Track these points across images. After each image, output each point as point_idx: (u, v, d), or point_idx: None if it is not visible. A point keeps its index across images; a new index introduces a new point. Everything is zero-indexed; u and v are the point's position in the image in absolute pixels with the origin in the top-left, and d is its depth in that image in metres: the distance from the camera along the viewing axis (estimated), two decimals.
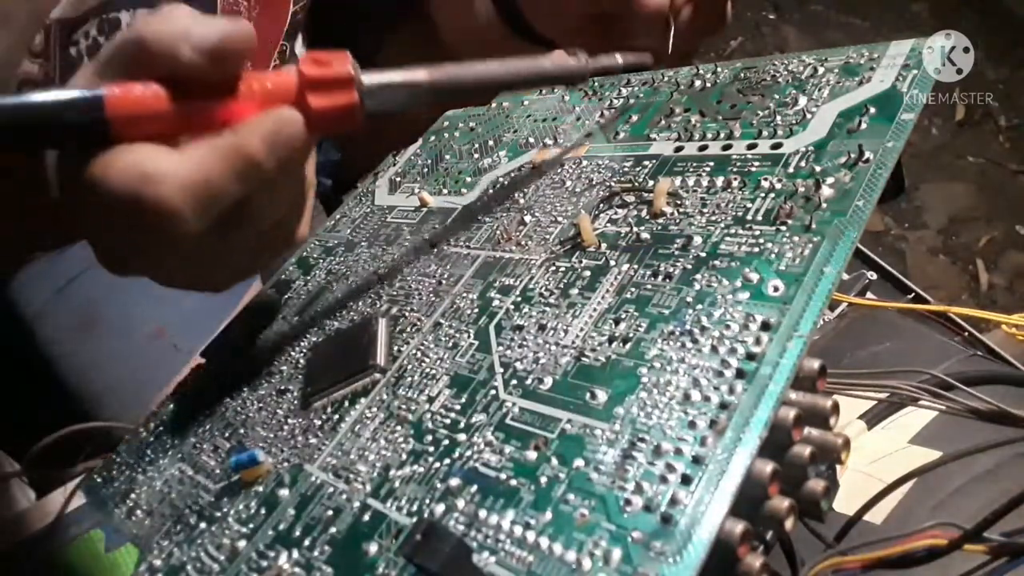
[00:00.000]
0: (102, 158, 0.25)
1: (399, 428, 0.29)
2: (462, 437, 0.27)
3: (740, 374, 0.23)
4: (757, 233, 0.27)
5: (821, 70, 0.33)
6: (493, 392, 0.28)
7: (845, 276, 0.37)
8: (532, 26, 0.44)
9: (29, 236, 0.40)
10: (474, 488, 0.25)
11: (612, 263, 0.30)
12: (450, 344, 0.31)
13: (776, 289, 0.24)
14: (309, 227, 0.33)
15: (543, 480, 0.23)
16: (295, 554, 0.27)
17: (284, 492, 0.29)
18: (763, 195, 0.28)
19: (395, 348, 0.33)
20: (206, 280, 0.31)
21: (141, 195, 0.25)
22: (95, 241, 0.29)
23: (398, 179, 0.47)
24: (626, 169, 0.34)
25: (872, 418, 0.34)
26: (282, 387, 0.35)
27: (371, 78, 0.29)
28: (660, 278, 0.28)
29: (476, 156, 0.44)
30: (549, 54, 0.35)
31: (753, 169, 0.30)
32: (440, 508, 0.25)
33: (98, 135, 0.26)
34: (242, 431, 0.34)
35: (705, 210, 0.29)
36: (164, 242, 0.27)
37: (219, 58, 0.27)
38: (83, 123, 0.26)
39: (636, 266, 0.29)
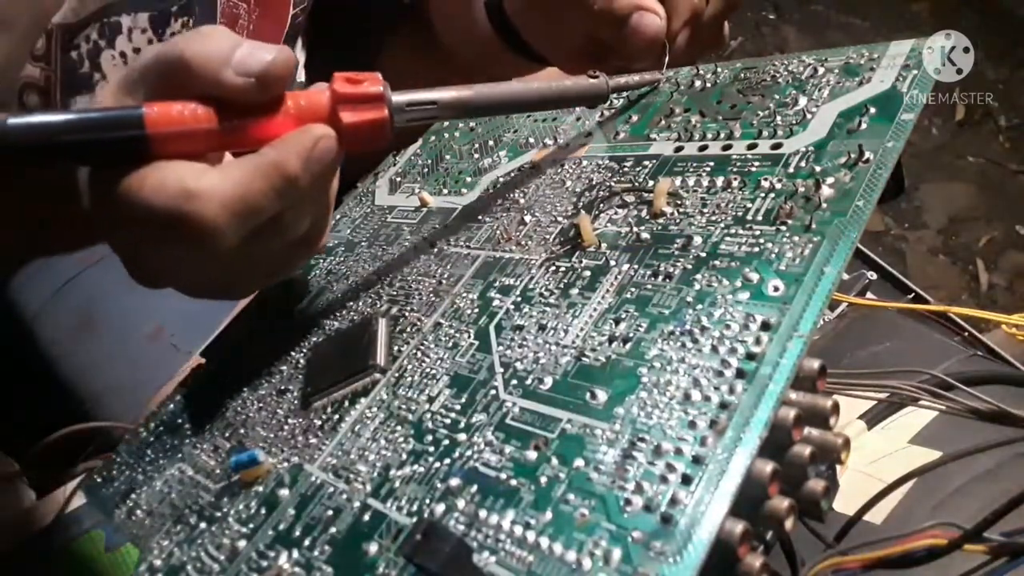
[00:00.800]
0: (140, 173, 0.26)
1: (399, 428, 0.29)
2: (462, 437, 0.27)
3: (740, 374, 0.23)
4: (757, 233, 0.27)
5: (821, 70, 0.33)
6: (493, 392, 0.28)
7: (845, 276, 0.37)
8: (529, 45, 0.45)
9: (53, 241, 0.40)
10: (474, 488, 0.25)
11: (612, 263, 0.30)
12: (450, 344, 0.31)
13: (776, 289, 0.24)
14: (326, 241, 0.34)
15: (543, 480, 0.23)
16: (295, 554, 0.27)
17: (284, 492, 0.29)
18: (763, 195, 0.28)
19: (395, 348, 0.33)
20: (233, 290, 0.32)
21: (183, 212, 0.26)
22: (127, 255, 0.29)
23: (398, 179, 0.47)
24: (626, 169, 0.34)
25: (872, 418, 0.34)
26: (282, 387, 0.35)
27: (400, 96, 0.30)
28: (660, 278, 0.28)
29: (476, 156, 0.44)
30: (572, 77, 0.36)
31: (753, 169, 0.30)
32: (440, 508, 0.25)
33: (136, 152, 0.26)
34: (242, 431, 0.34)
35: (705, 210, 0.29)
36: (201, 257, 0.28)
37: (263, 84, 0.27)
38: (122, 139, 0.26)
39: (636, 266, 0.29)
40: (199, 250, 0.27)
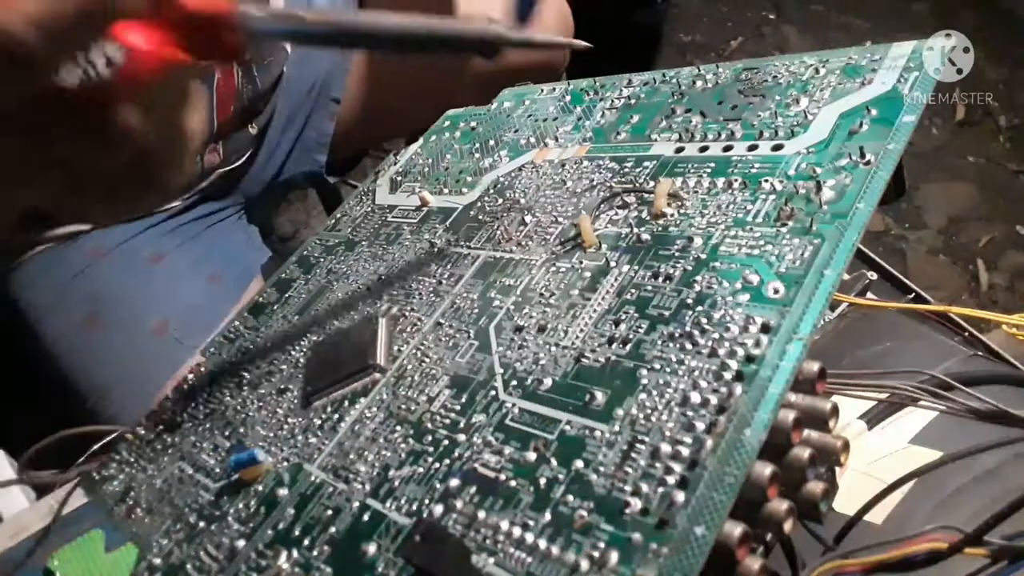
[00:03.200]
0: None
1: (399, 428, 0.29)
2: (462, 438, 0.27)
3: (739, 376, 0.23)
4: (758, 235, 0.27)
5: (823, 71, 0.33)
6: (493, 393, 0.28)
7: (845, 276, 0.37)
8: None
9: None
10: (473, 489, 0.25)
11: (612, 264, 0.30)
12: (450, 344, 0.31)
13: (776, 291, 0.24)
14: (187, 177, 0.31)
15: (542, 481, 0.23)
16: (294, 554, 0.27)
17: (283, 492, 0.29)
18: (764, 196, 0.28)
19: (395, 348, 0.33)
20: (81, 201, 0.29)
21: None
22: None
23: (399, 178, 0.47)
24: (627, 170, 0.34)
25: (872, 418, 0.34)
26: (282, 386, 0.35)
27: (255, 7, 0.27)
28: (660, 279, 0.28)
29: (477, 156, 0.44)
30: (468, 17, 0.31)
31: (754, 170, 0.30)
32: (439, 509, 0.25)
33: None
34: (242, 430, 0.34)
35: (706, 211, 0.29)
36: (35, 120, 0.25)
37: None
38: None
39: (636, 267, 0.29)
40: (17, 74, 0.23)
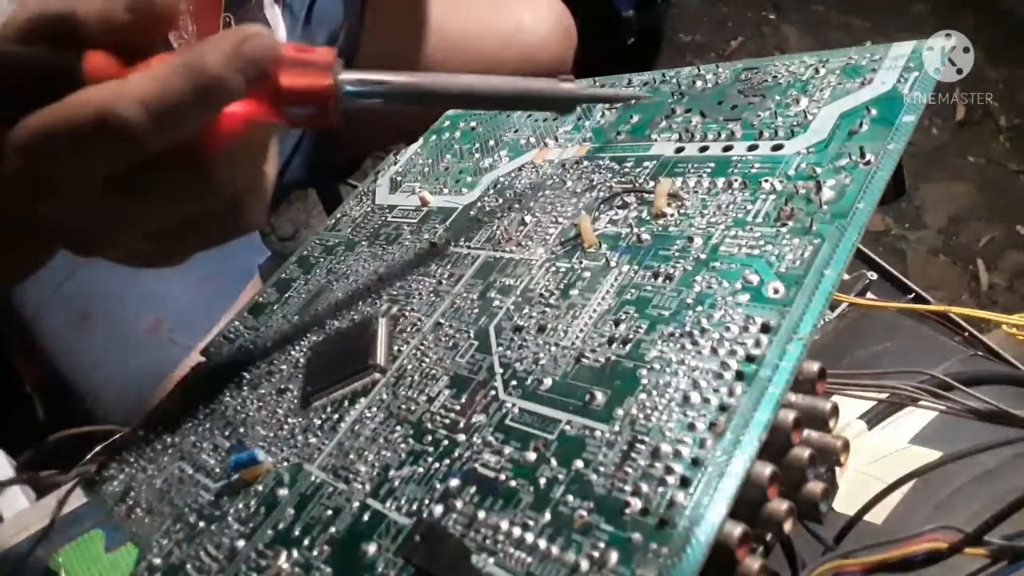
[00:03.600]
0: (68, 97, 0.24)
1: (399, 428, 0.29)
2: (461, 438, 0.27)
3: (740, 376, 0.23)
4: (758, 235, 0.27)
5: (822, 71, 0.33)
6: (493, 393, 0.28)
7: (845, 276, 0.37)
8: None
9: None
10: (473, 489, 0.25)
11: (612, 264, 0.30)
12: (450, 344, 0.31)
13: (776, 291, 0.24)
14: (266, 220, 0.32)
15: (542, 481, 0.23)
16: (294, 554, 0.27)
17: (283, 492, 0.29)
18: (764, 196, 0.28)
19: (395, 348, 0.33)
20: (174, 252, 0.30)
21: (100, 109, 0.24)
22: (54, 210, 0.27)
23: (399, 178, 0.47)
24: (627, 170, 0.34)
25: (872, 418, 0.34)
26: (282, 386, 0.35)
27: (350, 73, 0.28)
28: (660, 279, 0.28)
29: (477, 156, 0.44)
30: (542, 79, 0.33)
31: (754, 170, 0.30)
32: (439, 509, 0.25)
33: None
34: (242, 430, 0.34)
35: (706, 211, 0.29)
36: (134, 188, 0.26)
37: (149, 11, 0.26)
38: (58, 82, 0.25)
39: (636, 267, 0.29)
40: (123, 156, 0.25)
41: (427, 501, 0.25)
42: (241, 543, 0.29)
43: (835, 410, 0.23)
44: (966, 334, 0.41)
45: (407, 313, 0.34)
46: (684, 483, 0.21)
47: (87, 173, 0.25)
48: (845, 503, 0.29)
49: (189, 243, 0.30)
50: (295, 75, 0.27)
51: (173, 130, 0.25)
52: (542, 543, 0.22)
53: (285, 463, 0.31)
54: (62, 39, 0.25)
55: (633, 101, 0.38)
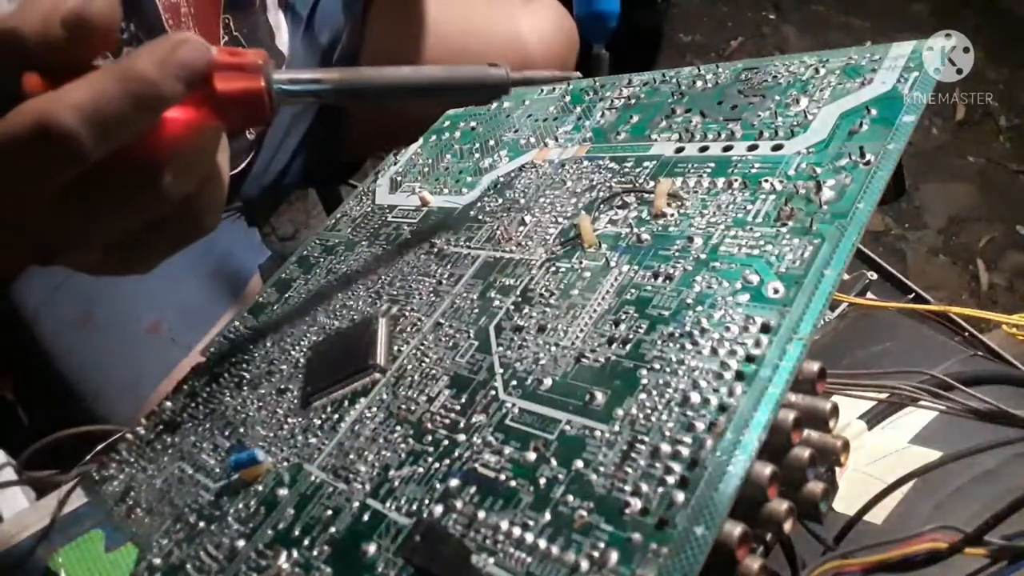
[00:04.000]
0: (8, 114, 0.25)
1: (399, 428, 0.29)
2: (461, 438, 0.27)
3: (739, 376, 0.23)
4: (757, 235, 0.27)
5: (822, 71, 0.33)
6: (493, 393, 0.28)
7: (845, 276, 0.37)
8: None
9: None
10: (473, 489, 0.25)
11: (612, 264, 0.30)
12: (450, 344, 0.31)
13: (776, 291, 0.24)
14: (218, 221, 0.32)
15: (542, 481, 0.23)
16: (294, 554, 0.27)
17: (283, 492, 0.29)
18: (764, 196, 0.28)
19: (395, 348, 0.33)
20: (131, 261, 0.31)
21: (37, 120, 0.24)
22: (7, 223, 0.27)
23: (399, 178, 0.47)
24: (627, 169, 0.34)
25: (872, 418, 0.34)
26: (282, 386, 0.35)
27: (282, 73, 0.29)
28: (660, 279, 0.28)
29: (477, 156, 0.44)
30: (470, 65, 0.34)
31: (754, 170, 0.30)
32: (439, 509, 0.25)
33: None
34: (242, 430, 0.34)
35: (706, 211, 0.29)
36: (82, 197, 0.26)
37: (82, 27, 0.26)
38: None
39: (636, 267, 0.29)
40: (65, 164, 0.25)
41: (427, 501, 0.25)
42: (241, 543, 0.29)
43: (835, 410, 0.23)
44: (966, 334, 0.41)
45: (407, 313, 0.34)
46: (683, 483, 0.21)
47: (33, 184, 0.26)
48: (845, 503, 0.29)
49: (147, 250, 0.31)
50: (229, 79, 0.28)
51: (111, 136, 0.25)
52: (542, 543, 0.22)
53: (285, 463, 0.31)
54: (4, 57, 0.26)
55: (569, 83, 0.37)
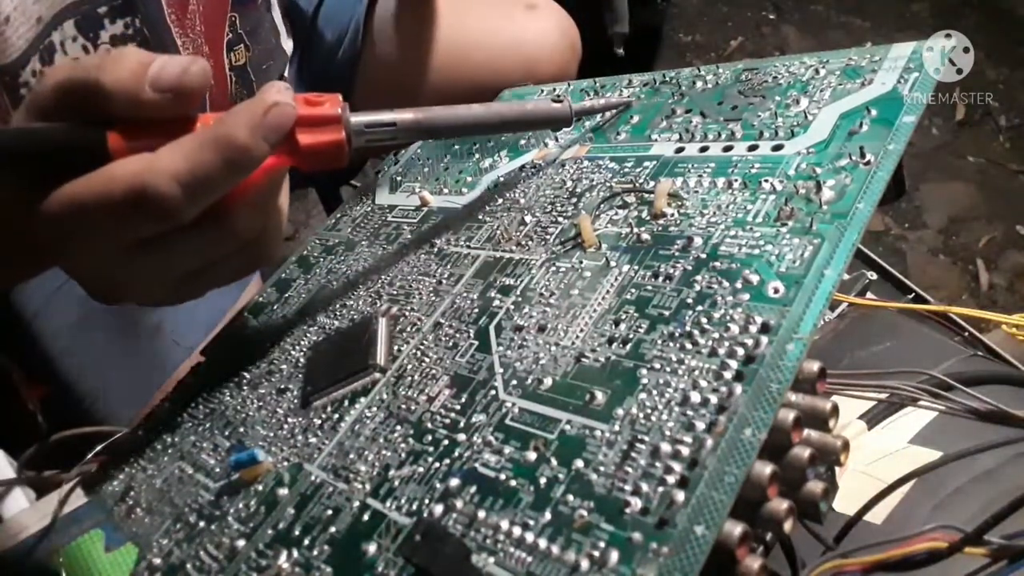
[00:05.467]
0: (91, 174, 0.26)
1: (399, 428, 0.29)
2: (461, 437, 0.27)
3: (739, 376, 0.23)
4: (758, 235, 0.27)
5: (823, 72, 0.33)
6: (493, 392, 0.28)
7: (845, 276, 0.37)
8: None
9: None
10: (473, 488, 0.25)
11: (612, 264, 0.30)
12: (450, 344, 0.31)
13: (776, 291, 0.24)
14: (280, 252, 0.34)
15: (542, 481, 0.23)
16: (295, 553, 0.27)
17: (283, 491, 0.29)
18: (764, 197, 0.28)
19: (395, 348, 0.33)
20: (195, 292, 0.32)
21: (136, 186, 0.25)
22: (84, 267, 0.29)
23: (399, 178, 0.47)
24: (627, 170, 0.34)
25: (872, 418, 0.34)
26: (282, 386, 0.35)
27: (359, 117, 0.30)
28: (660, 279, 0.28)
29: (477, 156, 0.44)
30: (535, 101, 0.36)
31: (754, 170, 0.30)
32: (439, 508, 0.25)
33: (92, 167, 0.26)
34: (242, 430, 0.34)
35: (706, 211, 0.29)
36: (161, 246, 0.27)
37: (180, 97, 0.27)
38: (85, 156, 0.26)
39: (636, 267, 0.29)
40: (157, 225, 0.26)
41: (427, 501, 0.25)
42: (241, 543, 0.29)
43: (835, 410, 0.23)
44: (966, 334, 0.41)
45: (407, 313, 0.34)
46: (684, 483, 0.21)
47: (118, 242, 0.27)
48: (845, 503, 0.29)
49: (207, 283, 0.32)
50: (310, 133, 0.29)
51: (205, 200, 0.27)
52: (542, 543, 0.22)
53: (285, 463, 0.31)
54: (89, 110, 0.27)
55: (626, 106, 0.39)
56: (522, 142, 0.42)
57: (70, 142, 0.27)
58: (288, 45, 0.65)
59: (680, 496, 0.20)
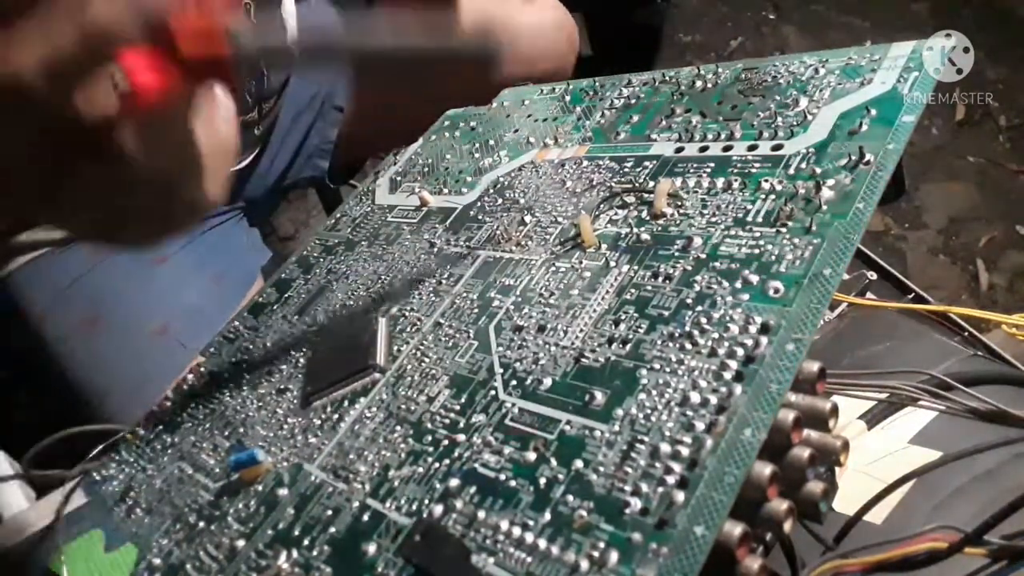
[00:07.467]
0: None
1: (399, 428, 0.29)
2: (461, 438, 0.27)
3: (739, 376, 0.23)
4: (757, 235, 0.27)
5: (822, 71, 0.33)
6: (493, 393, 0.28)
7: (845, 276, 0.37)
8: None
9: None
10: (473, 489, 0.25)
11: (612, 264, 0.30)
12: (450, 344, 0.31)
13: (776, 291, 0.24)
14: (221, 190, 0.30)
15: (542, 481, 0.23)
16: (294, 554, 0.27)
17: (283, 491, 0.29)
18: (764, 197, 0.28)
19: (395, 348, 0.33)
20: (115, 231, 0.30)
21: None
22: (11, 177, 0.27)
23: (399, 178, 0.47)
24: (627, 170, 0.34)
25: (872, 418, 0.34)
26: (282, 386, 0.35)
27: (248, 36, 0.27)
28: (660, 279, 0.28)
29: (477, 156, 0.44)
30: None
31: (754, 170, 0.30)
32: (439, 509, 0.25)
33: None
34: (242, 430, 0.34)
35: (705, 211, 0.29)
36: (65, 159, 0.26)
37: None
38: None
39: (636, 267, 0.29)
40: (28, 119, 0.24)
41: (427, 501, 0.25)
42: (241, 543, 0.29)
43: (835, 410, 0.23)
44: (966, 334, 0.41)
45: (407, 313, 0.34)
46: (683, 483, 0.21)
47: (13, 138, 0.25)
48: (845, 503, 0.29)
49: (138, 222, 0.29)
50: (195, 42, 0.26)
51: (70, 82, 0.24)
52: (542, 543, 0.22)
53: (285, 463, 0.31)
54: None
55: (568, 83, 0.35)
56: (522, 142, 0.42)
57: None
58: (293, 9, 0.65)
59: (680, 496, 0.20)
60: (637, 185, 0.33)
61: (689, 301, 0.26)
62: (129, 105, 0.26)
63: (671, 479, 0.21)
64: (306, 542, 0.27)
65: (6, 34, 0.24)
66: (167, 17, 0.25)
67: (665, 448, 0.22)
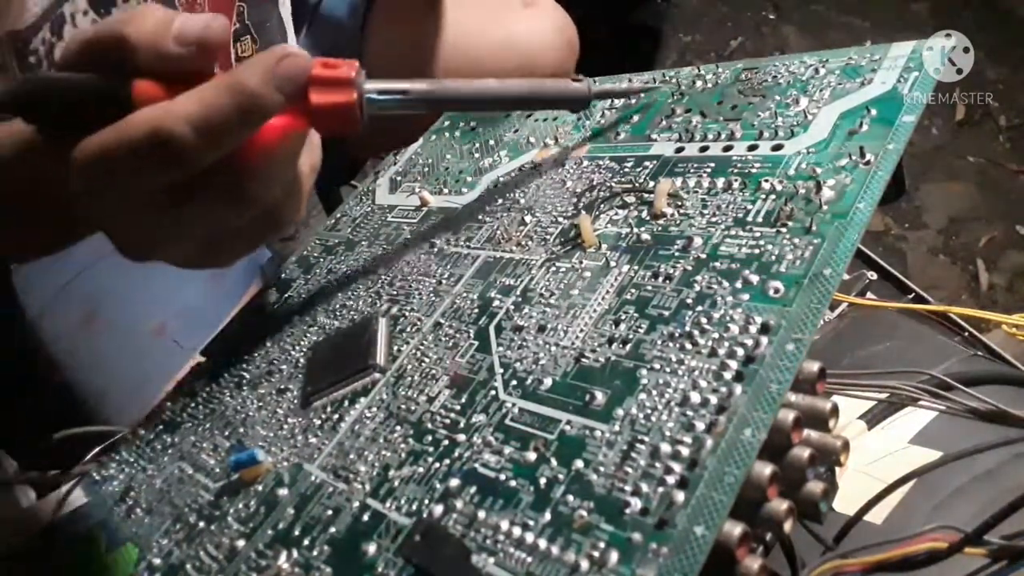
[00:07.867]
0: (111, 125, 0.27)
1: (399, 428, 0.29)
2: (461, 438, 0.27)
3: (739, 376, 0.23)
4: (757, 235, 0.27)
5: (822, 71, 0.33)
6: (493, 393, 0.28)
7: (845, 276, 0.37)
8: None
9: (30, 238, 0.40)
10: (473, 489, 0.25)
11: (612, 264, 0.30)
12: (450, 344, 0.31)
13: (776, 291, 0.24)
14: (303, 213, 0.34)
15: (542, 481, 0.23)
16: (294, 554, 0.27)
17: (283, 491, 0.29)
18: (764, 197, 0.28)
19: (395, 348, 0.33)
20: (218, 258, 0.33)
21: (151, 130, 0.26)
22: (110, 216, 0.29)
23: (399, 178, 0.47)
24: (627, 169, 0.34)
25: (872, 418, 0.34)
26: (282, 386, 0.35)
27: (373, 84, 0.30)
28: (660, 279, 0.28)
29: (477, 156, 0.44)
30: (553, 79, 0.36)
31: (754, 170, 0.30)
32: (439, 509, 0.25)
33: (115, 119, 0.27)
34: (242, 430, 0.34)
35: (706, 211, 0.29)
36: (184, 200, 0.28)
37: (202, 50, 0.28)
38: (108, 106, 0.27)
39: (636, 267, 0.29)
40: (174, 170, 0.27)
41: (427, 501, 0.25)
42: (241, 543, 0.29)
43: (835, 410, 0.23)
44: (966, 334, 0.41)
45: (407, 313, 0.34)
46: (683, 483, 0.21)
47: (142, 187, 0.27)
48: (845, 503, 0.29)
49: (229, 249, 0.33)
50: (322, 93, 0.29)
51: (218, 145, 0.27)
52: (542, 543, 0.22)
53: (285, 463, 0.31)
54: (115, 63, 0.28)
55: (642, 94, 0.39)
56: (522, 142, 0.42)
57: (96, 91, 0.27)
58: (293, 42, 0.65)
59: (680, 496, 0.20)
60: (637, 185, 0.33)
61: (689, 301, 0.26)
62: (257, 147, 0.29)
63: (671, 479, 0.21)
64: (306, 542, 0.27)
65: (169, 102, 0.27)
66: (306, 79, 0.28)
67: (665, 448, 0.22)
